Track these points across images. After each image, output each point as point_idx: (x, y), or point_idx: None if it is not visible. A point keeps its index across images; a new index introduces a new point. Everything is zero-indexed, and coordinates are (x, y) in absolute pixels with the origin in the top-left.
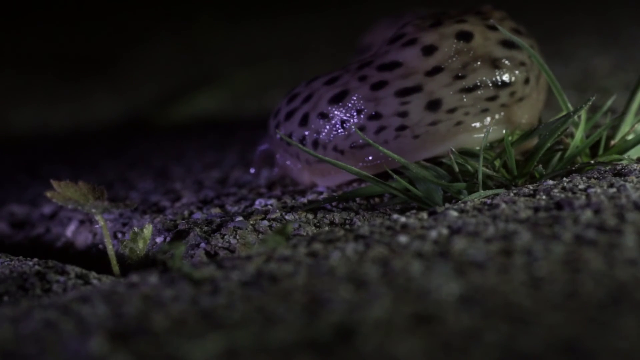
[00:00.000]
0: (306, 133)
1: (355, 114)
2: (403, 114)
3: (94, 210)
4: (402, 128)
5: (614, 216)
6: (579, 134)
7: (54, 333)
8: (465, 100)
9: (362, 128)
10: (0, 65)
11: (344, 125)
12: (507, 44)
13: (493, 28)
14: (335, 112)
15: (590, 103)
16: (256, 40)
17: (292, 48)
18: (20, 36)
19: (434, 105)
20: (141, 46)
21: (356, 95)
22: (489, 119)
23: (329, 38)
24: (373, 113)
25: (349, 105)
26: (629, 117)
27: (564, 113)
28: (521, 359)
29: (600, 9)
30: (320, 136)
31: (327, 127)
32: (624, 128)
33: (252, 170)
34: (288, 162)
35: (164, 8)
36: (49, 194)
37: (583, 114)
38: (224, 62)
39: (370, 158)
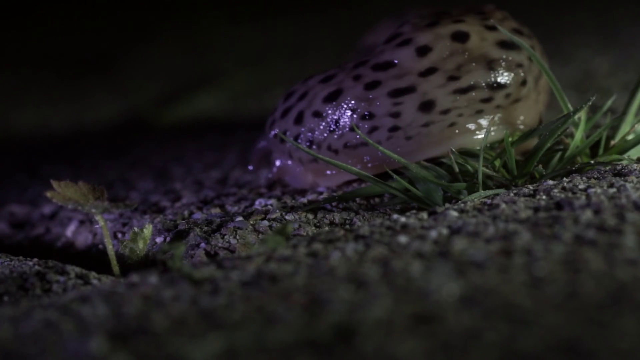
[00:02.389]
0: (301, 131)
1: (348, 113)
2: (396, 115)
3: (94, 210)
4: (394, 129)
5: (614, 216)
6: (579, 134)
7: (54, 333)
8: (459, 101)
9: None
10: (0, 65)
11: (338, 124)
12: (505, 45)
13: (492, 28)
14: (329, 111)
15: (590, 103)
16: (256, 40)
17: (292, 48)
18: (20, 36)
19: (427, 106)
20: (141, 46)
21: (350, 94)
22: (484, 120)
23: (329, 38)
24: (366, 113)
25: (343, 104)
26: (629, 117)
27: (564, 113)
28: (521, 359)
29: (600, 9)
30: (315, 135)
31: (321, 126)
32: (624, 128)
33: (250, 167)
34: (289, 162)
35: (164, 8)
36: (49, 194)
37: (583, 114)
38: (224, 62)
39: (368, 158)
